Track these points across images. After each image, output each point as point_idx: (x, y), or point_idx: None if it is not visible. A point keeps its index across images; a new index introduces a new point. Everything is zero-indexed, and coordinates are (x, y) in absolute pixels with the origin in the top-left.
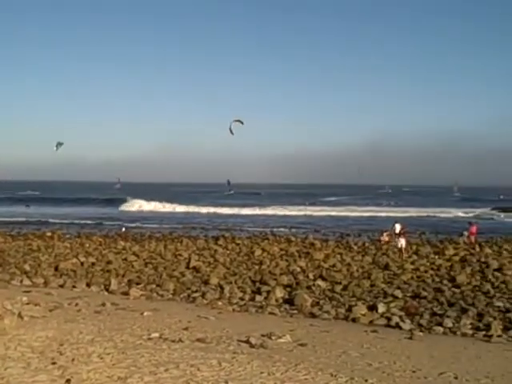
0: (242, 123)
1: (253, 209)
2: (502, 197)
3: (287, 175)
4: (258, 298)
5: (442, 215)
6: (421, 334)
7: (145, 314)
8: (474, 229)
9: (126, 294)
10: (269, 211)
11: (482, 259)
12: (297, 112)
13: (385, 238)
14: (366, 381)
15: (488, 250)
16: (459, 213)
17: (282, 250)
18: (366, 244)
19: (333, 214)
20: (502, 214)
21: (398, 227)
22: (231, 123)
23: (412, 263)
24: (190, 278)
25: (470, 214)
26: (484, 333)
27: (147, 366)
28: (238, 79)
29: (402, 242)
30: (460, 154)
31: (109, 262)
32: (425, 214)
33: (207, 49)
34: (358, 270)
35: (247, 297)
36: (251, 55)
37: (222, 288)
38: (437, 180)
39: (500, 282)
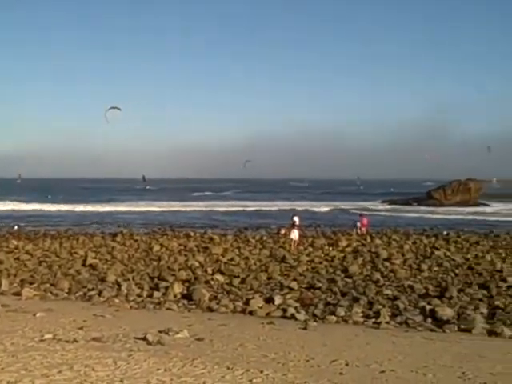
0: (120, 109)
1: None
2: (392, 189)
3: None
4: (156, 294)
5: (341, 207)
6: (315, 323)
7: (38, 314)
8: (365, 221)
9: (18, 294)
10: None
11: (373, 250)
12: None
13: (283, 231)
14: (262, 372)
15: (378, 241)
16: (353, 205)
17: (180, 245)
18: (264, 238)
19: (203, 209)
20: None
21: (296, 219)
22: (106, 111)
23: (307, 255)
24: (86, 275)
25: (367, 206)
26: (374, 320)
27: (39, 369)
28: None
29: (296, 234)
30: (360, 148)
31: None
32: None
33: None
34: (255, 264)
35: (145, 293)
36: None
37: (119, 285)
38: (342, 174)
39: (389, 270)
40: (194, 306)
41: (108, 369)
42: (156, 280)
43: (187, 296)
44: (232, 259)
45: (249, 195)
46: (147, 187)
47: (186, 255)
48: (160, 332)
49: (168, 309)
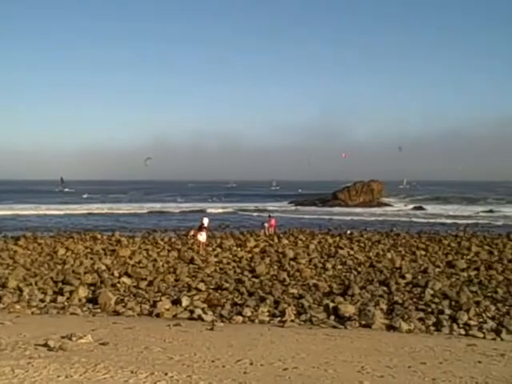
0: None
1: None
2: (300, 190)
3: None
4: (60, 298)
5: (250, 209)
6: (222, 324)
7: None
8: (273, 221)
9: None
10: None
11: (280, 250)
12: None
13: (191, 232)
14: (166, 374)
15: (285, 241)
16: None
17: (87, 248)
18: (173, 239)
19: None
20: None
21: (206, 221)
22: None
23: (216, 256)
24: None
25: (275, 208)
26: (279, 319)
27: None
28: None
29: (204, 236)
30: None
31: None
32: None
33: None
34: (163, 266)
35: (48, 298)
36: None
37: (20, 290)
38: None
39: (295, 270)
40: (99, 310)
41: (5, 377)
42: (60, 284)
43: (93, 300)
44: (140, 261)
45: (154, 196)
46: (65, 189)
47: (92, 258)
48: (62, 337)
49: (72, 313)
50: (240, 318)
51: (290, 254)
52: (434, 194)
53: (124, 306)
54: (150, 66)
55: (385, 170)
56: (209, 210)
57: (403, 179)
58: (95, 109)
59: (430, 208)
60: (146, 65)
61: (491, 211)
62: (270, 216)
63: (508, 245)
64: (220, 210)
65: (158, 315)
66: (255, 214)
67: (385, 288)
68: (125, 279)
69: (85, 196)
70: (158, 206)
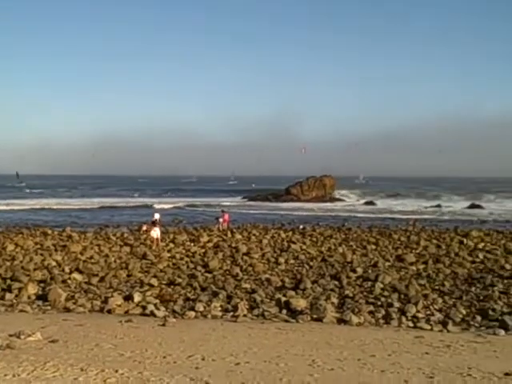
0: None
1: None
2: (253, 185)
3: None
4: (8, 296)
5: (198, 204)
6: (174, 320)
7: None
8: (226, 216)
9: None
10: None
11: (233, 245)
12: None
13: (144, 227)
14: (117, 371)
15: (239, 236)
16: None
17: (37, 243)
18: (126, 235)
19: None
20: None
21: (157, 216)
22: None
23: (169, 251)
24: None
25: (227, 203)
26: (232, 314)
27: None
28: None
29: (158, 232)
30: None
31: None
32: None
33: None
34: (115, 261)
35: None
36: None
37: None
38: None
39: (248, 265)
40: (49, 307)
41: None
42: (9, 281)
43: (42, 297)
44: (91, 257)
45: (106, 191)
46: (22, 184)
47: (42, 254)
48: (11, 336)
49: (21, 311)
50: (193, 314)
51: (243, 248)
52: (385, 189)
53: (74, 303)
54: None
55: (342, 165)
56: (158, 206)
57: (359, 174)
58: (48, 103)
59: (380, 203)
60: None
61: (439, 206)
62: (223, 211)
63: (455, 239)
64: (169, 206)
65: (109, 311)
66: (201, 209)
67: (336, 282)
68: (76, 275)
69: (28, 191)
70: (109, 201)
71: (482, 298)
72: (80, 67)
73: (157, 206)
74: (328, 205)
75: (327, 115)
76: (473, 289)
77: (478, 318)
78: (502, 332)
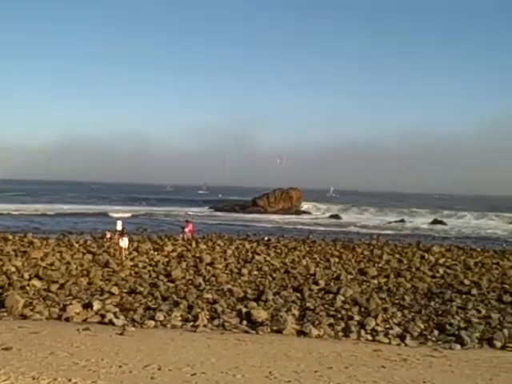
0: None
1: None
2: (220, 196)
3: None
4: None
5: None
6: (133, 329)
7: None
8: (190, 226)
9: None
10: None
11: (197, 254)
12: None
13: (108, 235)
14: (70, 380)
15: (203, 246)
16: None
17: None
18: (89, 242)
19: None
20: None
21: (119, 224)
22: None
23: (132, 260)
24: None
25: (193, 213)
26: (192, 323)
27: None
28: None
29: (125, 241)
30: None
31: None
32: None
33: None
34: (77, 268)
35: None
36: None
37: None
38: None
39: (211, 275)
40: (5, 314)
41: None
42: None
43: None
44: (52, 264)
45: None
46: None
47: (1, 260)
48: None
49: None
50: (152, 323)
51: (207, 258)
52: (352, 202)
53: (32, 310)
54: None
55: (313, 177)
56: (116, 214)
57: (330, 187)
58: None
59: (346, 217)
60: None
61: (402, 221)
62: (187, 221)
63: (417, 254)
64: (128, 214)
65: (67, 319)
66: (161, 218)
67: (298, 294)
68: (35, 282)
69: None
70: (68, 208)
71: (440, 312)
72: (37, 70)
73: (115, 215)
74: (294, 217)
75: (290, 125)
76: (432, 303)
77: (436, 332)
78: (458, 347)
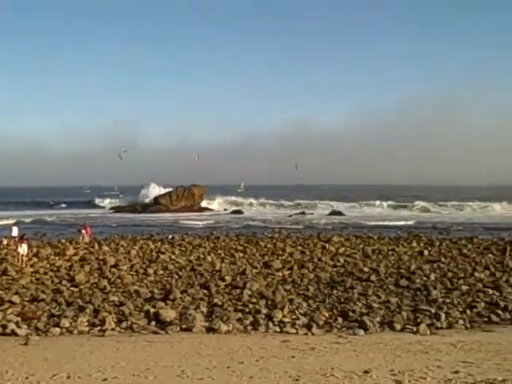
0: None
1: None
2: (121, 196)
3: None
4: None
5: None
6: (37, 337)
7: None
8: (87, 229)
9: None
10: None
11: (101, 257)
12: None
13: (5, 242)
14: None
15: (106, 248)
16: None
17: None
18: None
19: None
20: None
21: (15, 230)
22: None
23: (32, 266)
24: None
25: (94, 215)
26: (99, 328)
27: None
28: None
29: (24, 248)
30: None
31: None
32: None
33: None
34: None
35: None
36: None
37: None
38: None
39: (116, 277)
40: None
41: None
42: None
43: None
44: None
45: None
46: None
47: None
48: None
49: None
50: (58, 330)
51: (111, 260)
52: (258, 197)
53: None
54: None
55: (224, 172)
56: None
57: (241, 183)
58: None
59: (248, 211)
60: None
61: (303, 213)
62: (84, 224)
63: (318, 245)
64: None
65: None
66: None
67: (205, 291)
68: None
69: None
70: None
71: (343, 300)
72: None
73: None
74: (197, 214)
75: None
76: (335, 292)
77: (340, 319)
78: (362, 332)
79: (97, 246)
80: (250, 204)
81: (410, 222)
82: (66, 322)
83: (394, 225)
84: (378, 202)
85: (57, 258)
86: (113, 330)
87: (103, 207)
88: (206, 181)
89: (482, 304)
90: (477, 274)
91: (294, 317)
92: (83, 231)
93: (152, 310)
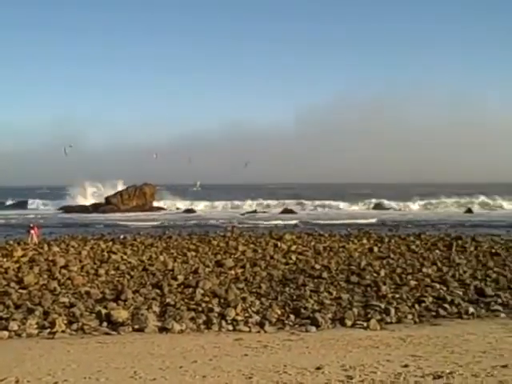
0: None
1: None
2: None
3: None
4: None
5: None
6: None
7: None
8: (35, 229)
9: None
10: None
11: (51, 258)
12: None
13: None
14: None
15: (56, 249)
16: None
17: None
18: None
19: None
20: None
21: None
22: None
23: None
24: None
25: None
26: (49, 330)
27: None
28: None
29: None
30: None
31: None
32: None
33: None
34: None
35: None
36: None
37: None
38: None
39: (66, 278)
40: None
41: None
42: None
43: None
44: None
45: None
46: None
47: None
48: None
49: None
50: (5, 334)
51: (61, 261)
52: (213, 196)
53: None
54: None
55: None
56: None
57: (196, 182)
58: None
59: (200, 210)
60: None
61: (255, 211)
62: (31, 224)
63: (270, 243)
64: None
65: None
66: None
67: (158, 290)
68: None
69: None
70: None
71: (295, 297)
72: None
73: None
74: (148, 214)
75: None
76: (287, 289)
77: (292, 316)
78: (314, 329)
79: (46, 247)
80: (205, 203)
81: (363, 221)
82: (14, 325)
83: (343, 223)
84: (327, 202)
85: (4, 259)
86: (63, 332)
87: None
88: (161, 179)
89: (430, 299)
90: (424, 270)
91: (246, 315)
92: (32, 232)
93: (103, 311)
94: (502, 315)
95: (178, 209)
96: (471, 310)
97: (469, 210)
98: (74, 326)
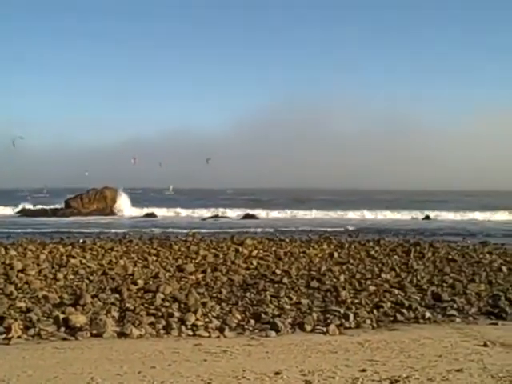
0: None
1: None
2: (28, 198)
3: None
4: None
5: None
6: None
7: None
8: None
9: None
10: None
11: (7, 262)
12: None
13: None
14: None
15: (13, 252)
16: None
17: None
18: None
19: None
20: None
21: None
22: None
23: None
24: None
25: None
26: (4, 336)
27: None
28: None
29: None
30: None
31: None
32: None
33: None
34: None
35: None
36: None
37: None
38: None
39: (24, 282)
40: None
41: None
42: None
43: None
44: None
45: None
46: None
47: None
48: None
49: None
50: None
51: (19, 265)
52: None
53: None
54: None
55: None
56: None
57: (169, 186)
58: None
59: (161, 215)
60: None
61: (217, 216)
62: None
63: (231, 247)
64: None
65: None
66: None
67: (117, 295)
68: None
69: None
70: None
71: (255, 302)
72: None
73: None
74: (109, 218)
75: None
76: (247, 294)
77: (252, 321)
78: (273, 333)
79: (3, 251)
80: (167, 207)
81: (322, 228)
82: None
83: (303, 230)
84: (287, 211)
85: None
86: (19, 337)
87: None
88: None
89: (388, 304)
90: (383, 275)
91: (206, 320)
92: None
93: (61, 316)
94: (458, 320)
95: (139, 213)
96: (428, 314)
97: (427, 217)
98: (31, 332)
